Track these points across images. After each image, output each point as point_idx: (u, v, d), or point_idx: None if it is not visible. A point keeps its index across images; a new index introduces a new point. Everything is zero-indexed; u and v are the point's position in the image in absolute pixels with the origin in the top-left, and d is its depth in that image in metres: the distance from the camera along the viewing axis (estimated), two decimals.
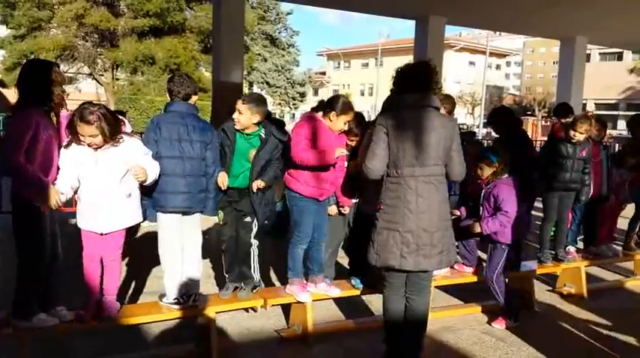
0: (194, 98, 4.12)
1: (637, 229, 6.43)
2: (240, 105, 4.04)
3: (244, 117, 4.04)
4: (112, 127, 3.53)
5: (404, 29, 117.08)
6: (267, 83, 44.57)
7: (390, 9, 11.58)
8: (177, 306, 3.95)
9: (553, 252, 5.73)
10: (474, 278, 5.10)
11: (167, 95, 4.09)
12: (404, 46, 54.40)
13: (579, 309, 5.28)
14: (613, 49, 40.60)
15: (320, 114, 4.30)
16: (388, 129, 3.48)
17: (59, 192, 3.44)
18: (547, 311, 5.25)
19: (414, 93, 3.53)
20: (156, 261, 6.13)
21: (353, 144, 4.55)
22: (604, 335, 4.74)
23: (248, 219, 4.23)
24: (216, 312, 4.08)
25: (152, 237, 6.56)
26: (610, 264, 6.49)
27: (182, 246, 4.03)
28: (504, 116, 5.61)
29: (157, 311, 3.96)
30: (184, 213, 3.98)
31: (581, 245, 6.37)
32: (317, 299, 4.48)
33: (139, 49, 29.93)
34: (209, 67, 33.01)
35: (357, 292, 4.66)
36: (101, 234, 3.63)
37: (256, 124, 4.11)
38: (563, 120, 6.11)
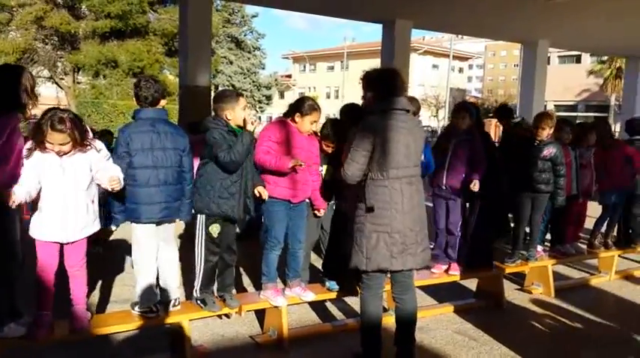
0: (163, 102, 4.05)
1: (602, 229, 6.60)
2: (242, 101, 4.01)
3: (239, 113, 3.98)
4: (81, 134, 3.45)
5: (370, 32, 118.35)
6: (233, 86, 44.20)
7: (357, 13, 11.65)
8: (150, 315, 3.88)
9: (524, 253, 5.82)
10: (456, 278, 5.20)
11: (133, 100, 4.00)
12: (369, 49, 54.86)
13: (547, 307, 5.40)
14: (572, 52, 41.74)
15: (288, 118, 4.30)
16: (371, 133, 3.54)
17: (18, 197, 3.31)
18: (516, 310, 5.34)
19: (392, 97, 3.61)
20: (122, 269, 6.13)
21: (329, 150, 4.55)
22: (572, 332, 4.87)
23: (237, 229, 4.18)
24: (190, 320, 4.02)
25: (117, 245, 6.47)
26: (576, 262, 6.65)
27: (157, 255, 3.97)
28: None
29: (130, 320, 3.87)
30: (159, 223, 3.91)
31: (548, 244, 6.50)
32: (292, 304, 4.46)
33: (101, 52, 29.40)
34: (173, 70, 32.64)
35: (332, 295, 4.66)
36: (64, 244, 3.51)
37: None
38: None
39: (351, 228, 3.74)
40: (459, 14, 11.01)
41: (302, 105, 4.21)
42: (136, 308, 3.91)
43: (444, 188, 5.04)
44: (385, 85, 3.67)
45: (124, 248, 7.08)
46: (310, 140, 4.34)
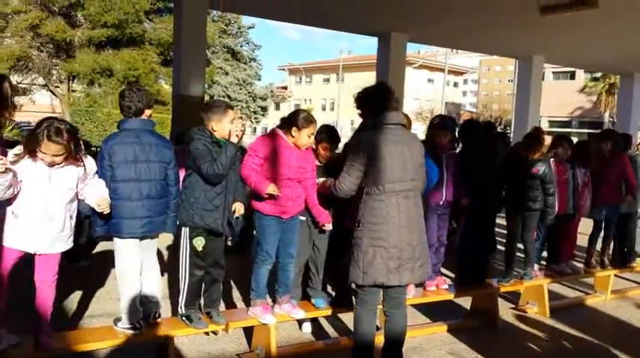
0: (148, 112, 3.90)
1: (596, 246, 6.51)
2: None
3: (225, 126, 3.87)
4: (76, 147, 3.36)
5: (366, 45, 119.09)
6: (229, 97, 44.14)
7: (353, 26, 11.62)
8: (133, 331, 3.74)
9: (519, 271, 5.73)
10: (450, 297, 5.10)
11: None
12: (365, 62, 55.06)
13: (542, 327, 5.30)
14: (566, 68, 42.04)
15: (281, 131, 4.19)
16: (365, 147, 3.55)
17: None
18: (511, 330, 5.24)
19: (384, 112, 3.60)
20: (104, 283, 5.99)
21: (326, 153, 4.47)
22: (566, 352, 4.78)
23: (228, 242, 4.07)
24: (175, 336, 3.89)
25: (98, 258, 6.29)
26: (572, 281, 6.55)
27: (140, 269, 3.84)
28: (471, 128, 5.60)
29: (112, 336, 3.73)
30: (142, 238, 3.79)
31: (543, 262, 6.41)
32: (281, 321, 4.34)
33: (97, 61, 29.27)
34: (169, 80, 32.55)
35: (323, 313, 4.55)
36: (35, 256, 3.38)
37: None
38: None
39: (349, 243, 3.69)
40: (455, 28, 11.00)
41: (297, 119, 4.10)
42: (119, 324, 3.78)
43: (441, 204, 4.91)
44: (375, 101, 3.67)
45: (111, 259, 6.97)
46: (303, 154, 4.21)
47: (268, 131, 4.48)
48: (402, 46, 11.63)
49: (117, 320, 3.82)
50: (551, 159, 5.70)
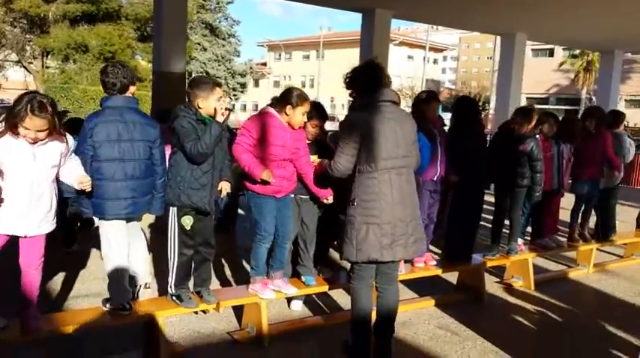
0: (132, 89, 3.80)
1: (579, 221, 6.59)
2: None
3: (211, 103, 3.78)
4: (59, 121, 3.27)
5: (346, 22, 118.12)
6: (207, 73, 43.60)
7: (337, 1, 11.47)
8: (122, 312, 3.69)
9: (504, 246, 5.79)
10: (438, 272, 5.15)
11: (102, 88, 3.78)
12: (345, 39, 54.75)
13: (527, 300, 5.38)
14: (545, 45, 42.25)
15: (273, 109, 4.12)
16: (360, 126, 3.54)
17: None
18: (497, 303, 5.31)
19: (374, 90, 3.60)
20: (86, 264, 5.92)
21: (315, 131, 4.42)
22: (553, 325, 4.85)
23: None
24: (164, 316, 3.85)
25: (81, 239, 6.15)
26: (555, 255, 6.65)
27: (127, 250, 3.78)
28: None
29: (101, 316, 3.68)
30: (129, 220, 3.71)
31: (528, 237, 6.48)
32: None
33: (71, 36, 28.68)
34: (146, 56, 31.99)
35: (314, 290, 4.56)
36: (21, 238, 3.29)
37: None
38: None
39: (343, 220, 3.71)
40: (439, 5, 10.91)
41: (291, 97, 4.03)
42: (108, 304, 3.72)
43: (435, 180, 4.89)
44: (366, 79, 3.65)
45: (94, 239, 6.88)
46: (296, 134, 4.16)
47: (260, 110, 4.39)
48: (387, 22, 11.50)
49: (105, 300, 3.77)
50: (537, 136, 5.72)
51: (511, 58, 13.57)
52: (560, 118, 6.33)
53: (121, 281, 3.71)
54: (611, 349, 4.31)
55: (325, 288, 4.60)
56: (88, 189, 3.43)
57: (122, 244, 3.71)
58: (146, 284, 3.91)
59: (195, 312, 4.35)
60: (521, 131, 5.41)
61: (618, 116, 6.91)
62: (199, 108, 3.77)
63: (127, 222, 3.72)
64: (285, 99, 4.05)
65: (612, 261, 7.02)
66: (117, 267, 3.71)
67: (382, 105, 3.56)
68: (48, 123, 3.15)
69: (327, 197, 4.36)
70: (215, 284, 5.17)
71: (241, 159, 3.99)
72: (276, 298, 4.31)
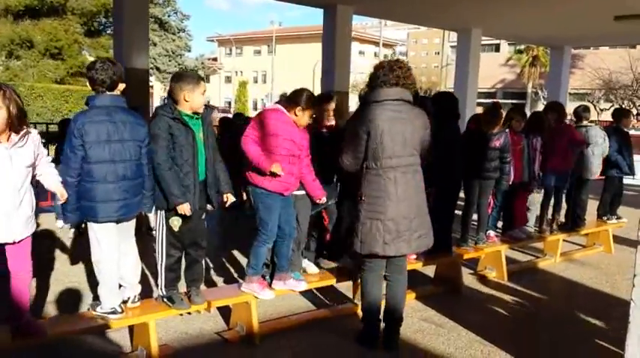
0: (121, 86, 3.65)
1: (550, 212, 6.82)
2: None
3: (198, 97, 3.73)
4: (20, 112, 3.12)
5: (296, 17, 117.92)
6: (158, 69, 42.69)
7: None
8: (113, 316, 3.61)
9: (474, 236, 5.97)
10: (419, 265, 5.24)
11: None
12: (297, 34, 54.67)
13: (502, 290, 5.56)
14: (492, 40, 43.33)
15: (282, 107, 4.17)
16: (364, 122, 3.64)
17: None
18: (474, 294, 5.46)
19: (381, 88, 3.69)
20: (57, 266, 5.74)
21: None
22: (528, 313, 5.03)
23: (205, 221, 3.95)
24: (154, 319, 3.78)
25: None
26: (523, 246, 6.86)
27: (117, 254, 3.68)
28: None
29: (92, 321, 3.59)
30: (119, 221, 3.62)
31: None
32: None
33: (15, 32, 27.52)
34: (94, 52, 31.03)
35: (317, 284, 4.68)
36: (8, 245, 3.17)
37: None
38: None
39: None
40: (399, 1, 11.03)
41: (301, 99, 4.10)
42: (98, 308, 3.63)
43: None
44: (375, 77, 3.73)
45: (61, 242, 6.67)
46: (302, 132, 4.23)
47: (269, 106, 4.36)
48: (348, 18, 11.54)
49: (95, 305, 3.67)
50: (507, 131, 5.91)
51: (467, 53, 13.87)
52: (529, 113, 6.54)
53: (112, 285, 3.63)
54: (584, 334, 4.51)
55: (329, 282, 4.72)
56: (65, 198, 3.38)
57: (113, 247, 3.61)
58: (136, 296, 3.81)
59: (181, 314, 4.29)
60: (492, 131, 5.59)
61: (579, 110, 7.16)
62: (185, 101, 3.71)
63: (117, 223, 3.62)
64: (296, 100, 4.11)
65: (576, 250, 7.31)
66: (109, 270, 3.61)
67: (388, 104, 3.64)
68: (5, 111, 3.02)
69: (321, 197, 4.42)
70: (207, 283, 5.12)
71: (249, 151, 4.00)
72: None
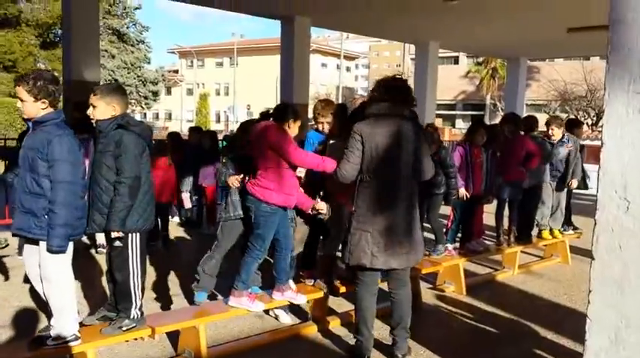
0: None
1: (506, 224, 6.80)
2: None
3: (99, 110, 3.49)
4: None
5: (258, 30, 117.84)
6: (116, 81, 41.93)
7: (256, 7, 11.30)
8: (75, 342, 3.39)
9: (428, 250, 5.88)
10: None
11: (22, 96, 3.34)
12: (258, 46, 54.57)
13: (460, 306, 5.49)
14: (451, 53, 44.08)
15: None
16: (363, 136, 3.75)
17: None
18: (432, 310, 5.38)
19: (377, 103, 3.84)
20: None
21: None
22: (486, 328, 4.95)
23: (118, 243, 3.58)
24: (96, 347, 3.55)
25: None
26: (481, 259, 6.83)
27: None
28: None
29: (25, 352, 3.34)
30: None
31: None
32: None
33: None
34: (50, 64, 30.30)
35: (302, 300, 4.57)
36: None
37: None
38: None
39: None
40: (355, 14, 11.03)
41: (289, 112, 4.20)
42: (49, 341, 3.36)
43: None
44: (375, 92, 3.89)
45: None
46: None
47: (263, 124, 4.26)
48: (306, 29, 11.52)
49: (46, 337, 3.39)
50: (467, 144, 5.90)
51: (426, 65, 14.02)
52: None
53: (74, 309, 3.45)
54: (542, 349, 4.44)
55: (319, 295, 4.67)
56: None
57: (70, 269, 3.41)
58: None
59: (127, 340, 4.05)
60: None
61: (533, 120, 7.20)
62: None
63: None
64: (286, 114, 4.19)
65: (534, 262, 7.33)
66: (71, 294, 3.41)
67: (382, 118, 3.75)
68: None
69: (309, 207, 4.44)
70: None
71: (310, 159, 4.10)
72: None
